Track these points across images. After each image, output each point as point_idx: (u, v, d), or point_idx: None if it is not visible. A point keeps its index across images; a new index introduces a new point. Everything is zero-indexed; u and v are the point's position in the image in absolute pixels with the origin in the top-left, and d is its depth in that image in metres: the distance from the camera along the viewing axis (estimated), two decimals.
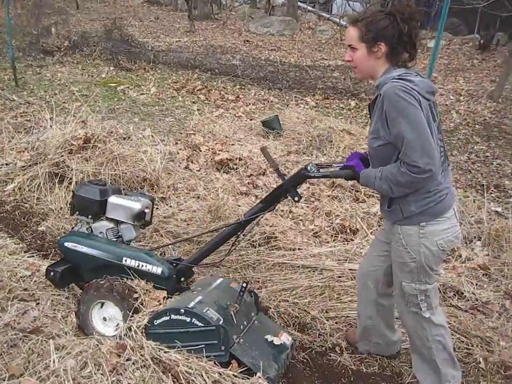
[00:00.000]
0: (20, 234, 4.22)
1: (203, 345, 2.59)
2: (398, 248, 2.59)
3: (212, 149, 6.17)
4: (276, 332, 2.95)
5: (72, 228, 3.38)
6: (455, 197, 2.62)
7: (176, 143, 6.18)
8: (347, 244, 4.53)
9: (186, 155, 5.85)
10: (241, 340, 2.70)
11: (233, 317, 2.71)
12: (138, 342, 2.58)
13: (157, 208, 4.76)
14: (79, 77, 9.53)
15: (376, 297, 2.99)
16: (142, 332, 2.68)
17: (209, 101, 8.94)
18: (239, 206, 4.85)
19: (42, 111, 7.23)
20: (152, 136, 5.91)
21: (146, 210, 3.09)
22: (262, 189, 5.40)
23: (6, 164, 5.23)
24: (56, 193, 4.86)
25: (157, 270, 2.89)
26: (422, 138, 2.26)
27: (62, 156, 5.14)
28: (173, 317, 2.62)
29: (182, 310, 2.60)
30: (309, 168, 2.72)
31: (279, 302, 3.69)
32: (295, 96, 9.71)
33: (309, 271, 4.07)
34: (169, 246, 3.87)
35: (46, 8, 13.89)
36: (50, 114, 6.74)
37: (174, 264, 3.02)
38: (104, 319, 2.97)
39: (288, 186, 2.79)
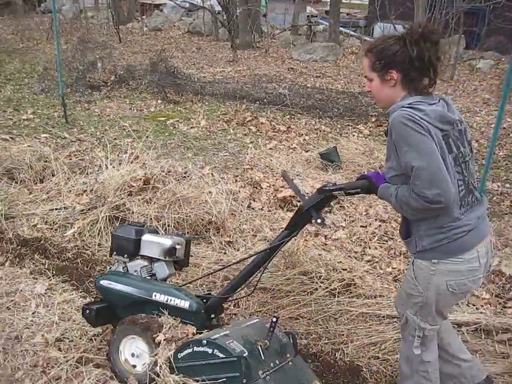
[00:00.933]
0: (85, 285, 3.99)
1: (225, 378, 2.49)
2: (408, 278, 2.51)
3: (273, 185, 5.89)
4: (310, 379, 2.81)
5: (110, 268, 3.38)
6: (486, 237, 2.43)
7: (236, 181, 5.92)
8: None
9: (247, 193, 5.58)
10: (267, 377, 2.55)
11: (261, 352, 2.58)
12: (163, 378, 2.54)
13: (224, 253, 4.49)
14: (127, 112, 9.43)
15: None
16: (168, 366, 2.62)
17: (261, 132, 8.71)
18: (310, 247, 4.54)
19: (94, 148, 7.12)
20: (212, 174, 5.66)
21: (178, 247, 3.11)
22: (330, 228, 5.08)
23: (65, 208, 5.05)
24: None
25: (185, 304, 2.83)
26: (431, 167, 2.14)
27: (122, 198, 4.94)
28: (195, 349, 2.56)
29: (204, 341, 2.54)
30: (326, 187, 2.62)
31: (369, 359, 3.39)
32: (347, 125, 9.41)
33: (395, 322, 3.71)
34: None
35: (91, 43, 14.04)
36: (104, 152, 6.63)
37: (203, 300, 2.97)
38: (133, 354, 2.89)
39: (308, 207, 2.64)
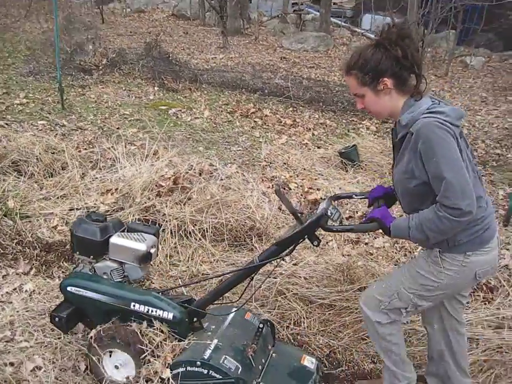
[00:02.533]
0: None
1: None
2: (428, 263, 2.40)
3: (300, 186, 5.58)
4: (297, 357, 2.83)
5: (74, 268, 3.06)
6: (497, 223, 2.51)
7: (263, 180, 5.58)
8: (488, 304, 3.96)
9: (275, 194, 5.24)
10: (261, 383, 2.61)
11: (252, 360, 2.61)
12: None
13: (270, 262, 4.16)
14: (126, 99, 8.94)
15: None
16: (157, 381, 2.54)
17: (267, 125, 8.36)
18: (356, 257, 4.26)
19: (99, 138, 6.69)
20: (243, 175, 5.31)
21: (152, 250, 2.83)
22: (369, 235, 4.81)
23: (87, 208, 4.63)
24: None
25: (168, 315, 2.69)
26: (460, 178, 2.11)
27: (150, 199, 4.56)
28: (189, 368, 2.51)
29: (198, 363, 2.49)
30: (329, 212, 2.50)
31: None
32: (352, 120, 9.15)
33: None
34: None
35: (76, 23, 13.37)
36: (110, 143, 6.22)
37: (185, 304, 2.81)
38: (116, 367, 2.75)
39: (306, 231, 2.50)
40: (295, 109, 9.49)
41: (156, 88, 9.75)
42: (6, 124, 7.02)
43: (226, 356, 2.55)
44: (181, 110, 8.57)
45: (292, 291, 3.84)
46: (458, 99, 11.23)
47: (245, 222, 4.33)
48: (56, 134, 6.75)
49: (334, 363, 3.30)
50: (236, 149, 7.02)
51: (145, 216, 4.43)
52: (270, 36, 16.48)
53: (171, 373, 2.54)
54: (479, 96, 11.62)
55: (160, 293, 2.84)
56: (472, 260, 2.34)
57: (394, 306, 2.54)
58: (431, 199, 2.24)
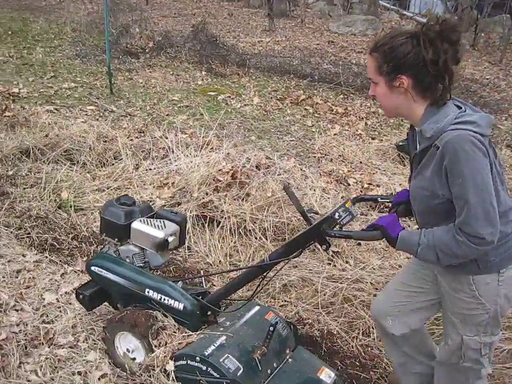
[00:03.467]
0: None
1: None
2: (466, 300, 2.14)
3: (360, 182, 5.33)
4: (315, 368, 2.65)
5: (101, 249, 3.07)
6: None
7: (320, 175, 5.35)
8: None
9: (336, 191, 5.02)
10: None
11: (258, 363, 2.46)
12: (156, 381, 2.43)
13: (334, 266, 3.96)
14: (174, 84, 8.79)
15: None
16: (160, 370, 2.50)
17: (319, 114, 8.10)
18: None
19: (148, 125, 6.55)
20: (302, 169, 5.08)
21: (170, 239, 2.76)
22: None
23: (142, 202, 4.48)
24: (209, 241, 4.10)
25: (179, 305, 2.63)
26: (486, 202, 1.86)
27: (207, 194, 4.39)
28: (189, 362, 2.44)
29: (198, 358, 2.41)
30: (336, 215, 2.29)
31: None
32: None
33: None
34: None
35: (121, 5, 13.28)
36: (160, 131, 6.07)
37: (199, 297, 2.75)
38: (128, 350, 2.74)
39: (315, 233, 2.32)
40: (346, 96, 9.19)
41: (203, 73, 9.57)
42: (56, 109, 6.95)
43: (229, 355, 2.44)
44: (230, 96, 8.37)
45: (358, 298, 3.62)
46: None
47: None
48: (107, 120, 6.65)
49: None
50: (288, 139, 6.79)
51: (203, 212, 4.26)
52: (316, 18, 16.11)
53: (175, 363, 2.49)
54: None
55: (181, 283, 2.82)
56: (508, 275, 2.09)
57: (469, 359, 2.27)
58: (451, 219, 1.98)
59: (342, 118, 8.01)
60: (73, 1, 15.67)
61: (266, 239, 4.08)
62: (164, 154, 5.47)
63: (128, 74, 9.11)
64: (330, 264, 3.97)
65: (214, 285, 3.65)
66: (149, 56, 10.18)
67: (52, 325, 2.96)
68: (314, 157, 6.13)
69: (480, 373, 2.30)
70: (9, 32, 11.42)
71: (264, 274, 2.61)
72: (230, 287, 2.72)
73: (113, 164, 5.30)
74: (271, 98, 8.61)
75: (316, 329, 3.31)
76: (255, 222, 4.17)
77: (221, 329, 2.63)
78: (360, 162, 6.10)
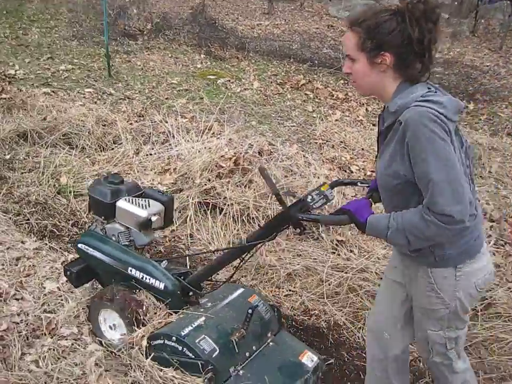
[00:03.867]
0: None
1: (194, 376, 2.37)
2: (426, 293, 2.09)
3: (362, 169, 5.27)
4: (297, 351, 2.63)
5: (89, 227, 3.13)
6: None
7: (323, 162, 5.27)
8: None
9: (338, 178, 4.95)
10: (241, 372, 2.44)
11: (235, 345, 2.44)
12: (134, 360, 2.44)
13: (338, 255, 3.90)
14: (173, 67, 8.66)
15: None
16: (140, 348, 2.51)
17: (319, 99, 8.02)
18: None
19: (147, 109, 6.45)
20: (305, 156, 5.00)
21: (154, 218, 2.76)
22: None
23: (143, 187, 4.40)
24: (211, 228, 4.04)
25: (160, 284, 2.65)
26: (452, 180, 1.78)
27: (210, 180, 4.32)
28: (166, 342, 2.43)
29: (174, 338, 2.40)
30: (309, 198, 2.25)
31: None
32: None
33: None
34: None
35: None
36: (160, 115, 5.98)
37: (181, 277, 2.76)
38: (110, 327, 2.78)
39: (290, 216, 2.26)
40: (346, 81, 9.07)
41: (202, 56, 9.44)
42: (53, 92, 6.84)
43: (206, 336, 2.42)
44: (229, 80, 8.26)
45: (364, 288, 3.58)
46: None
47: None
48: (105, 103, 6.55)
49: (416, 373, 3.05)
50: (289, 124, 6.71)
51: (206, 199, 4.19)
52: (316, 2, 15.90)
53: (150, 343, 2.49)
54: None
55: (165, 262, 2.82)
56: (465, 270, 2.03)
57: (438, 353, 2.24)
58: (417, 200, 1.91)
59: (343, 103, 7.94)
60: None
61: None
62: (164, 139, 5.39)
63: (126, 57, 8.97)
64: (334, 253, 3.92)
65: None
66: (147, 38, 10.03)
67: (54, 314, 2.90)
68: (316, 143, 6.06)
69: (453, 368, 2.26)
70: (4, 12, 11.21)
71: (243, 256, 2.58)
72: (210, 269, 2.72)
73: (112, 149, 5.22)
74: (271, 82, 8.50)
75: (322, 320, 3.26)
76: (258, 210, 4.11)
77: (202, 310, 2.63)
78: (362, 149, 6.03)
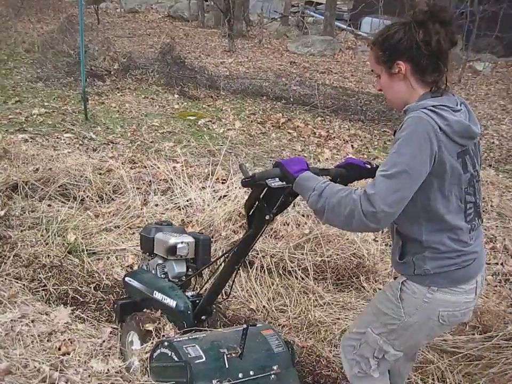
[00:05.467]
0: None
1: (174, 382, 2.34)
2: (388, 296, 2.09)
3: None
4: None
5: (139, 265, 3.39)
6: (484, 265, 2.11)
7: None
8: None
9: None
10: None
11: (226, 360, 2.35)
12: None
13: None
14: (150, 108, 8.38)
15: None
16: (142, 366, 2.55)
17: (303, 137, 7.92)
18: None
19: (136, 154, 6.14)
20: None
21: (180, 245, 2.91)
22: None
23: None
24: (245, 284, 3.76)
25: (172, 303, 2.74)
26: (403, 188, 1.76)
27: (235, 232, 4.06)
28: (161, 350, 2.44)
29: (166, 343, 2.42)
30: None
31: None
32: (384, 131, 8.76)
33: None
34: None
35: (76, 24, 12.69)
36: (154, 160, 5.71)
37: (192, 300, 2.78)
38: (131, 343, 2.87)
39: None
40: (323, 118, 9.07)
41: (176, 96, 9.21)
42: (31, 138, 6.41)
43: (197, 345, 2.38)
44: (210, 121, 8.05)
45: None
46: (479, 107, 10.98)
47: (351, 259, 3.85)
48: (87, 149, 6.20)
49: None
50: None
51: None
52: (273, 39, 16.03)
53: (154, 354, 2.49)
54: (498, 104, 11.41)
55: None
56: (436, 296, 1.98)
57: (362, 354, 2.20)
58: (416, 204, 1.88)
59: (327, 141, 7.87)
60: (19, 20, 14.88)
61: (310, 279, 3.79)
62: (167, 187, 5.10)
63: (99, 98, 8.63)
64: None
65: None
66: (115, 79, 9.72)
67: None
68: None
69: (365, 374, 2.23)
70: None
71: (238, 266, 2.56)
72: (216, 288, 2.73)
73: (113, 199, 4.87)
74: (252, 122, 8.35)
75: None
76: (292, 261, 3.87)
77: (207, 331, 2.62)
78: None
